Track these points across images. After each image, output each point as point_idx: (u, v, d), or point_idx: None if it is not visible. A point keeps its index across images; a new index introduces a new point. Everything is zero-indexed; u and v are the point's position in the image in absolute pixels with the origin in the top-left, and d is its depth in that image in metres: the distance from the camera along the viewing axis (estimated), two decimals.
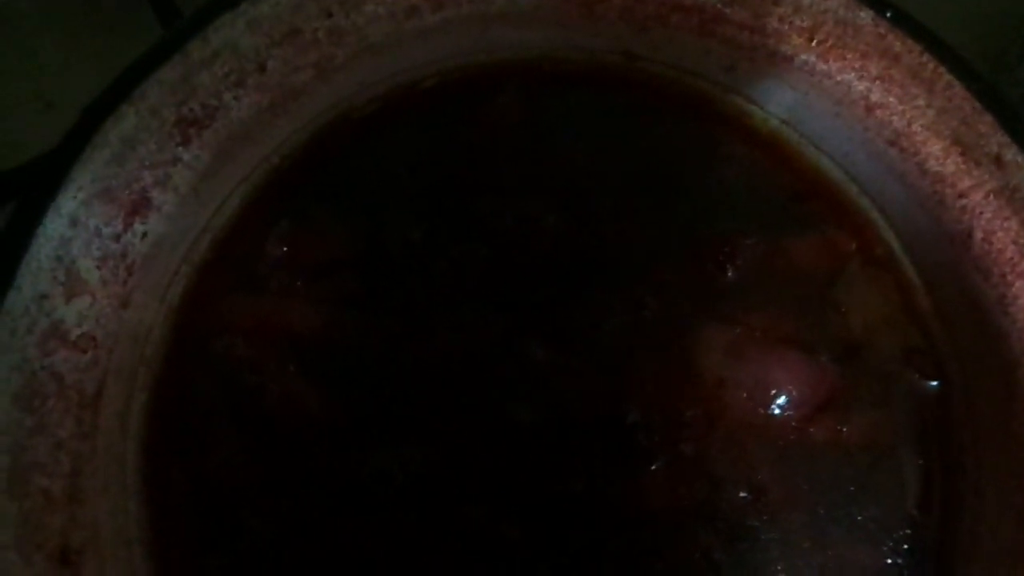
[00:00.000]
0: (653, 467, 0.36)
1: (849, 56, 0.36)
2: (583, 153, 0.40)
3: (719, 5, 0.37)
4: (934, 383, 0.37)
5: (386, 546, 0.35)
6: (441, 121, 0.41)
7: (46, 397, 0.30)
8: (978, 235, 0.35)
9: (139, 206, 0.33)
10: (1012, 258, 0.34)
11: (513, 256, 0.38)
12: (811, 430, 0.37)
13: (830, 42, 0.36)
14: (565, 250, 0.38)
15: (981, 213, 0.34)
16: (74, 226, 0.31)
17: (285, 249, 0.38)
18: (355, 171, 0.40)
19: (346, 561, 0.35)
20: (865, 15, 0.35)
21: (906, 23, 0.35)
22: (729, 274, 0.38)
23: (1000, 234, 0.34)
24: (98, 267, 0.32)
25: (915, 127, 0.36)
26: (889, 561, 0.36)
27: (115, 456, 0.33)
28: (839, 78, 0.37)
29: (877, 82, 0.36)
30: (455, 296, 0.37)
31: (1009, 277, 0.34)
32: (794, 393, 0.37)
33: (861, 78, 0.37)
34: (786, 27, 0.37)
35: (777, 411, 0.37)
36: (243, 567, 0.34)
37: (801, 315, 0.38)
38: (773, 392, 0.37)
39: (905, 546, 0.36)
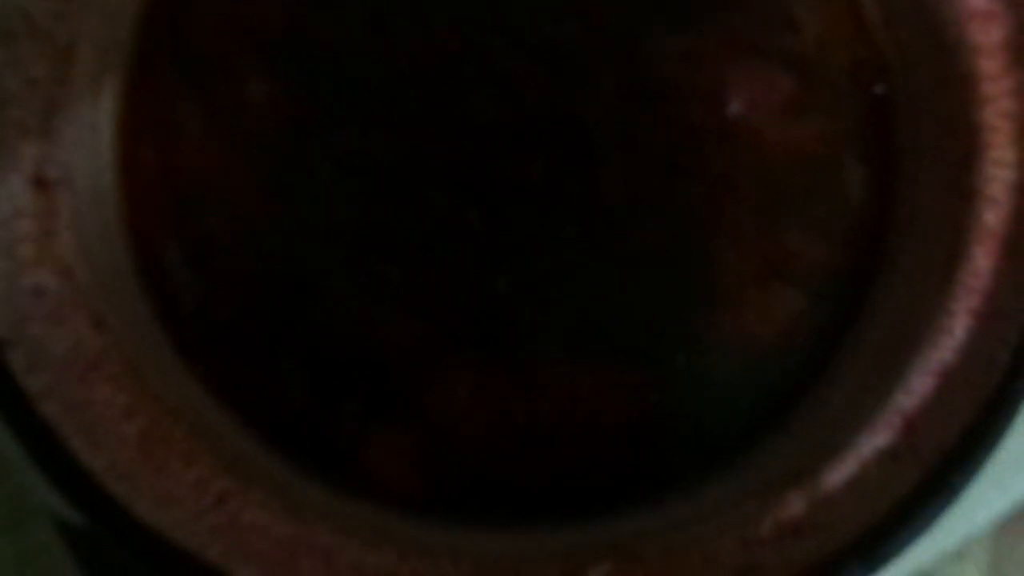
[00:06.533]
0: (608, 161, 0.38)
1: None
2: None
3: None
4: (879, 91, 0.39)
5: (346, 230, 0.37)
6: None
7: (18, 36, 0.31)
8: None
9: None
10: None
11: None
12: (763, 133, 0.38)
13: None
14: None
15: None
16: None
17: None
18: None
19: (306, 242, 0.37)
20: None
21: None
22: None
23: None
24: None
25: None
26: (832, 251, 0.38)
27: (90, 124, 0.35)
28: None
29: None
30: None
31: None
32: (749, 97, 0.38)
33: None
34: None
35: (731, 114, 0.38)
36: (206, 250, 0.37)
37: (759, 29, 0.39)
38: (728, 96, 0.38)
39: (849, 238, 0.38)
